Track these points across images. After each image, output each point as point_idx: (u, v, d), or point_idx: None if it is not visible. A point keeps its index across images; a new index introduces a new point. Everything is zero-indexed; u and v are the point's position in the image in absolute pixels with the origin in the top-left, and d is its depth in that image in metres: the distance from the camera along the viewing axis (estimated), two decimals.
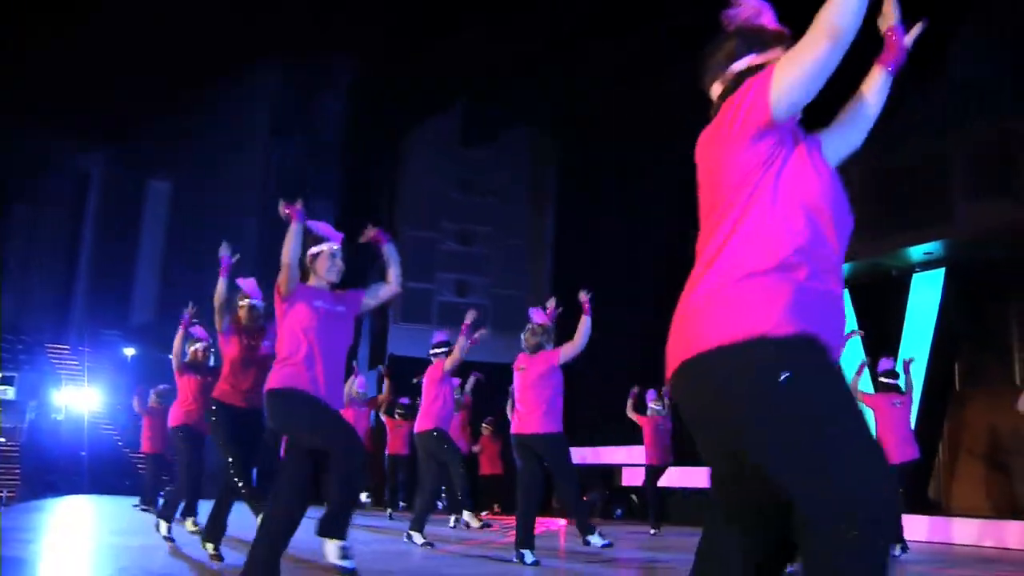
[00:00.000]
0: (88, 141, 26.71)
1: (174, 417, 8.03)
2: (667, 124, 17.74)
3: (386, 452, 14.28)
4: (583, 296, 7.31)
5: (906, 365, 10.12)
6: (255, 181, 22.62)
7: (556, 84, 20.46)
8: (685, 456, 13.59)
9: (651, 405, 13.06)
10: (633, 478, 15.91)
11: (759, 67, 2.14)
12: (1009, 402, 12.83)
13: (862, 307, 14.75)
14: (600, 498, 17.11)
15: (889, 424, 9.48)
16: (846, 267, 14.29)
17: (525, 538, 6.98)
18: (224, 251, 6.56)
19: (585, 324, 7.28)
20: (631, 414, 13.13)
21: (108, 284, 27.75)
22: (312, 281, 4.80)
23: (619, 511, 17.49)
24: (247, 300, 6.82)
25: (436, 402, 9.13)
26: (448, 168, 22.74)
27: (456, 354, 8.73)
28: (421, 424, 9.15)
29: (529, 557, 6.88)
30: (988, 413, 13.19)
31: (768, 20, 2.26)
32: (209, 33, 21.28)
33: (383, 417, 14.27)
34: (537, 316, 7.64)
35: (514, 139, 23.45)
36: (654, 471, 13.13)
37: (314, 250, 4.80)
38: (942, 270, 13.70)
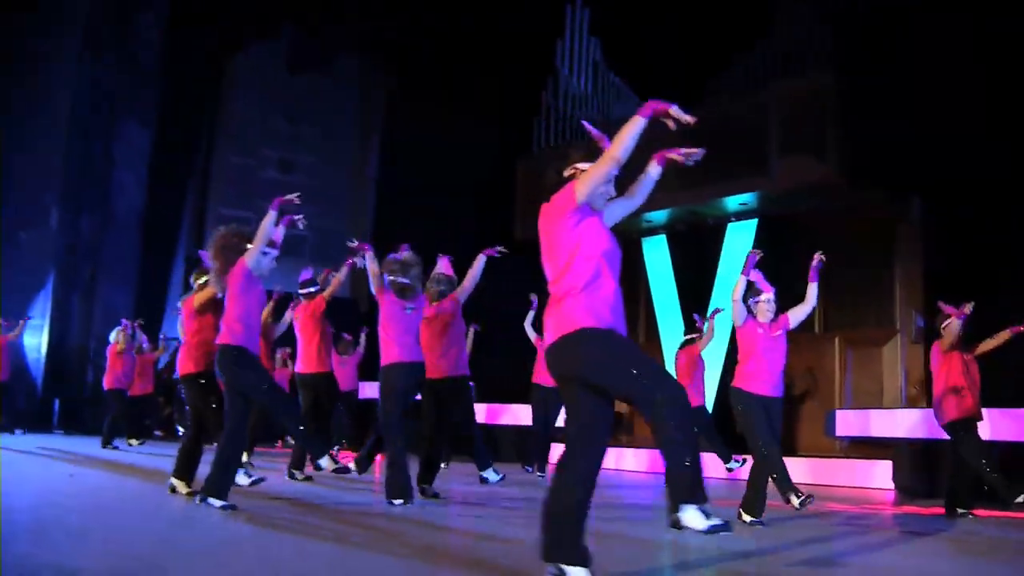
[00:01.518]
0: None
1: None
2: (495, 59, 17.76)
3: None
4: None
5: (712, 314, 10.81)
6: (64, 99, 21.29)
7: (384, 12, 20.10)
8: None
9: None
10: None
11: None
12: (804, 347, 13.61)
13: (679, 254, 15.24)
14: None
15: (687, 373, 10.62)
16: (662, 214, 14.71)
17: (422, 475, 7.73)
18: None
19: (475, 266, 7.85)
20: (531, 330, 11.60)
21: None
22: None
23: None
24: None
25: (314, 340, 9.06)
26: (273, 95, 22.07)
27: (335, 286, 9.02)
28: (307, 366, 9.06)
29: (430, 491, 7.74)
30: (787, 357, 13.86)
31: None
32: None
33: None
34: (444, 266, 8.02)
35: (342, 68, 22.95)
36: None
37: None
38: (755, 221, 14.24)
